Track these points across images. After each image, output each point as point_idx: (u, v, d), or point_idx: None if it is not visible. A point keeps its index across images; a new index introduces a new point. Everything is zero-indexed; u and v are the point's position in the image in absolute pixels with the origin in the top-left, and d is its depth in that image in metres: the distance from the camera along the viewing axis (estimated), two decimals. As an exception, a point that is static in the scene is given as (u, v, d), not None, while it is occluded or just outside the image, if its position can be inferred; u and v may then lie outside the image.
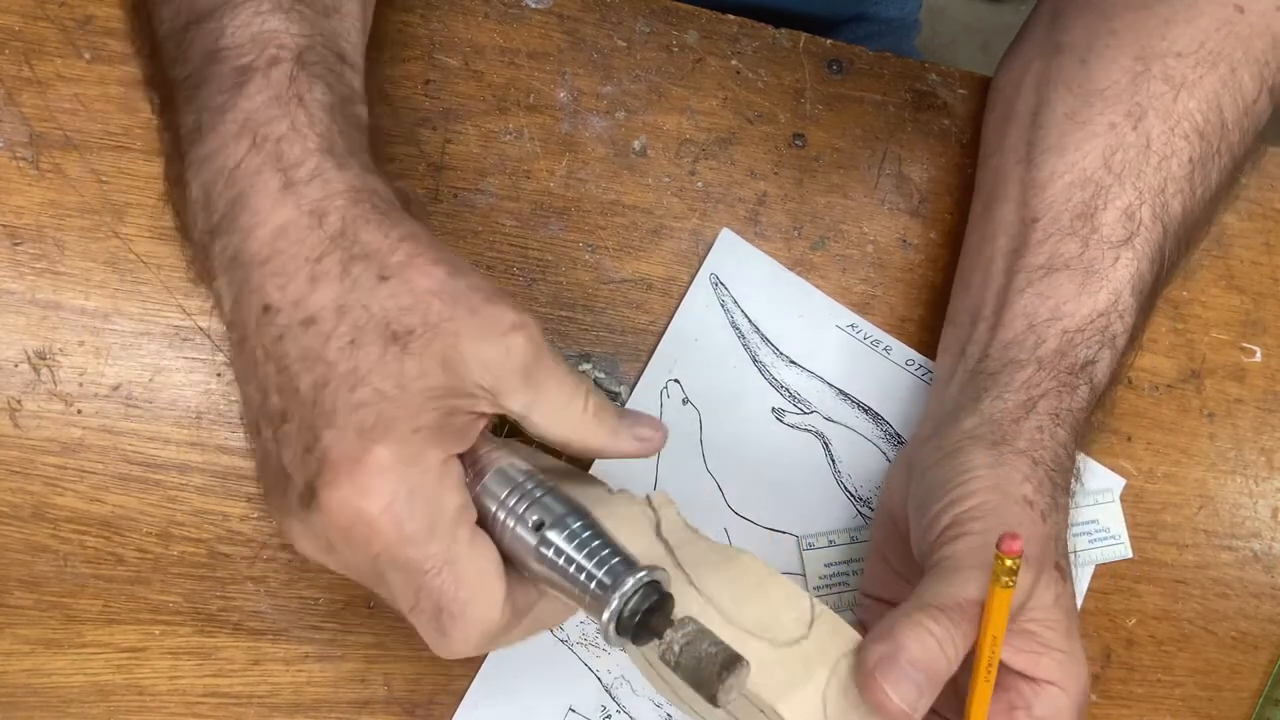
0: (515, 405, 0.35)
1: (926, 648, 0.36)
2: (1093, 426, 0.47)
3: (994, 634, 0.37)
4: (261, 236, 0.34)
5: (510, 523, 0.34)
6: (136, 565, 0.45)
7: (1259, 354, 0.58)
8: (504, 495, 0.35)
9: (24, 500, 0.44)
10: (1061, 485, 0.42)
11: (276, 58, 0.36)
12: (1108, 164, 0.46)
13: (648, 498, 0.39)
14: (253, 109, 0.35)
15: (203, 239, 0.36)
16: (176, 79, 0.38)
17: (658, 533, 0.38)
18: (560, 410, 0.36)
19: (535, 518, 0.34)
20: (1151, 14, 0.47)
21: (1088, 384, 0.45)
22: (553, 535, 0.34)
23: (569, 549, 0.33)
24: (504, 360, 0.34)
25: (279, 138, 0.35)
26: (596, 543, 0.34)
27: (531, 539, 0.34)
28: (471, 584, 0.33)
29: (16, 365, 0.44)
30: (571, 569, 0.33)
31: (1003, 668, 0.39)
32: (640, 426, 0.38)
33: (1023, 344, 0.45)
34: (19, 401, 0.44)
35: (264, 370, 0.34)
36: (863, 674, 0.36)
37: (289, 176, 0.35)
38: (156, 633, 0.45)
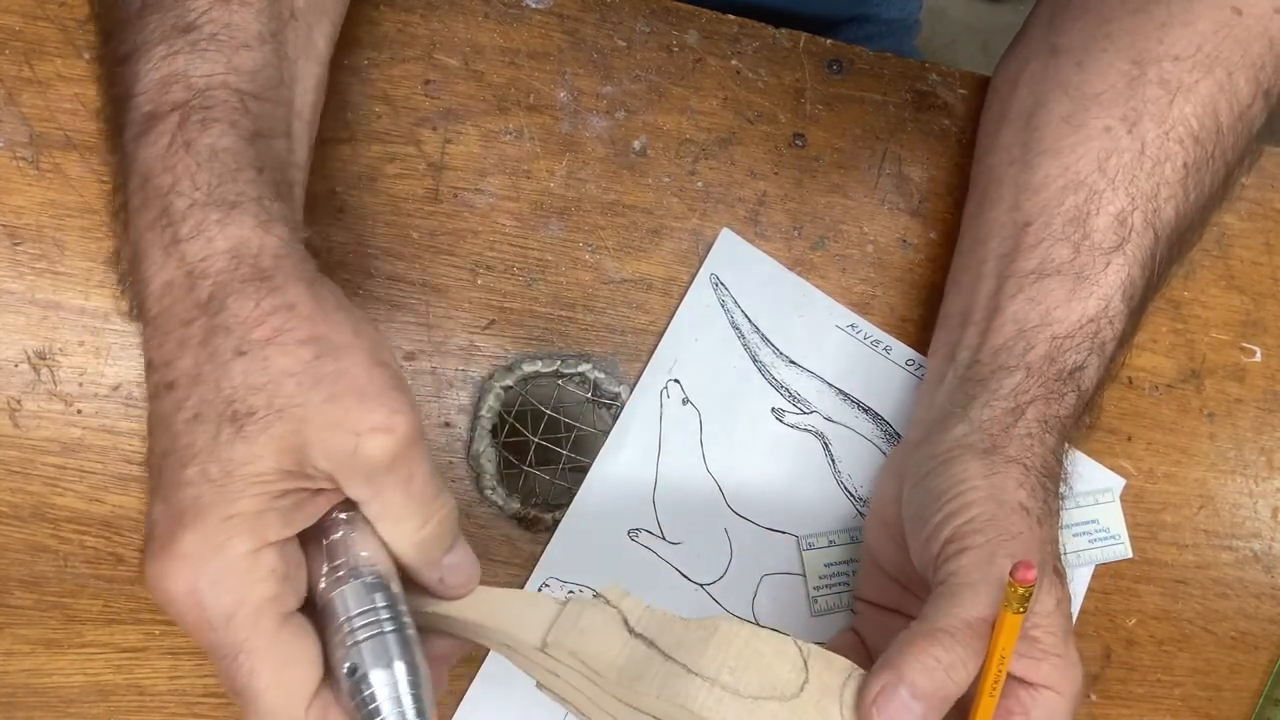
0: (353, 495, 0.35)
1: (932, 677, 0.36)
2: (1080, 429, 0.47)
3: (1002, 654, 0.37)
4: (153, 292, 0.34)
5: (338, 644, 0.34)
6: (136, 565, 0.45)
7: (1259, 354, 0.58)
8: (344, 616, 0.34)
9: (24, 500, 0.44)
10: (1053, 490, 0.43)
11: (175, 102, 0.36)
12: (1102, 168, 0.46)
13: (603, 597, 0.38)
14: (148, 159, 0.35)
15: (123, 281, 0.37)
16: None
17: (630, 631, 0.38)
18: (393, 522, 0.35)
19: (348, 664, 0.33)
20: (1149, 17, 0.47)
21: (1075, 390, 0.45)
22: (362, 684, 0.33)
23: (367, 708, 0.33)
24: (348, 457, 0.33)
25: (168, 189, 0.35)
26: (404, 704, 0.33)
27: (344, 682, 0.33)
28: (268, 676, 0.33)
29: (16, 365, 0.44)
30: None
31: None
32: (456, 574, 0.37)
33: (1012, 350, 0.45)
34: (19, 401, 0.44)
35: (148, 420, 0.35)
36: (863, 707, 0.36)
37: (176, 233, 0.34)
38: (156, 633, 0.45)
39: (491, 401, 0.48)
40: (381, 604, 0.34)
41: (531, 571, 0.48)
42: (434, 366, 0.48)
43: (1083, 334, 0.45)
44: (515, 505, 0.48)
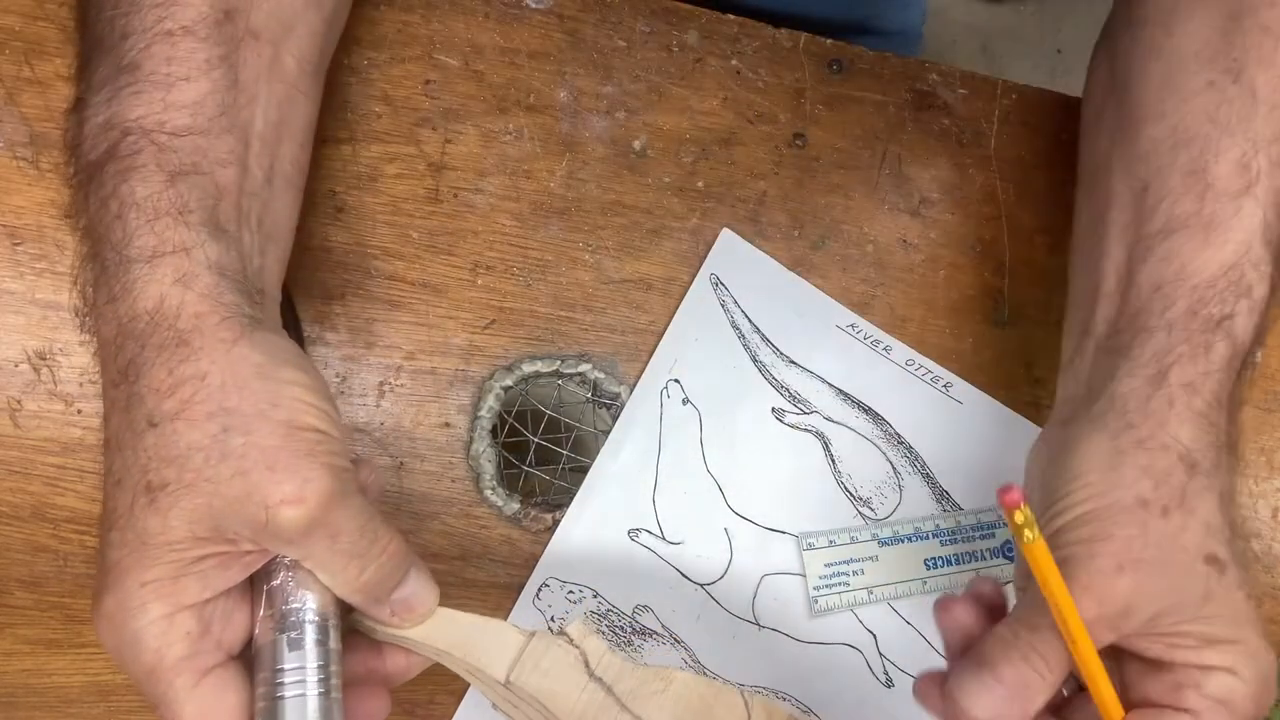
0: (281, 553, 0.35)
1: (1015, 668, 0.36)
2: (1242, 384, 0.43)
3: (1052, 589, 0.35)
4: (99, 348, 0.35)
5: (262, 695, 0.34)
6: (136, 565, 0.45)
7: (1259, 354, 0.58)
8: (273, 668, 0.34)
9: (24, 500, 0.44)
10: (1204, 465, 0.39)
11: (106, 150, 0.36)
12: (1213, 119, 0.44)
13: (566, 635, 0.39)
14: (90, 211, 0.35)
15: (85, 329, 0.38)
16: None
17: (590, 673, 0.38)
18: (330, 574, 0.35)
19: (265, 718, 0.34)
20: None
21: (1226, 339, 0.41)
22: None
23: None
24: (262, 527, 0.33)
25: (102, 243, 0.35)
26: None
27: None
28: None
29: (16, 365, 0.44)
30: None
31: (1163, 661, 0.38)
32: (407, 608, 0.37)
33: (1151, 310, 0.42)
34: (19, 401, 0.44)
35: None
36: (949, 693, 0.37)
37: (110, 290, 0.34)
38: (156, 633, 0.45)
39: (491, 401, 0.48)
40: (313, 662, 0.35)
41: (531, 572, 0.48)
42: (434, 366, 0.48)
43: (1225, 280, 0.42)
44: (515, 505, 0.48)
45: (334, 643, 0.36)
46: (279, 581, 0.35)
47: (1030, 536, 0.35)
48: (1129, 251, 0.44)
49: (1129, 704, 0.38)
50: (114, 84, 0.36)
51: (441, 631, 0.37)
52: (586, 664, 0.39)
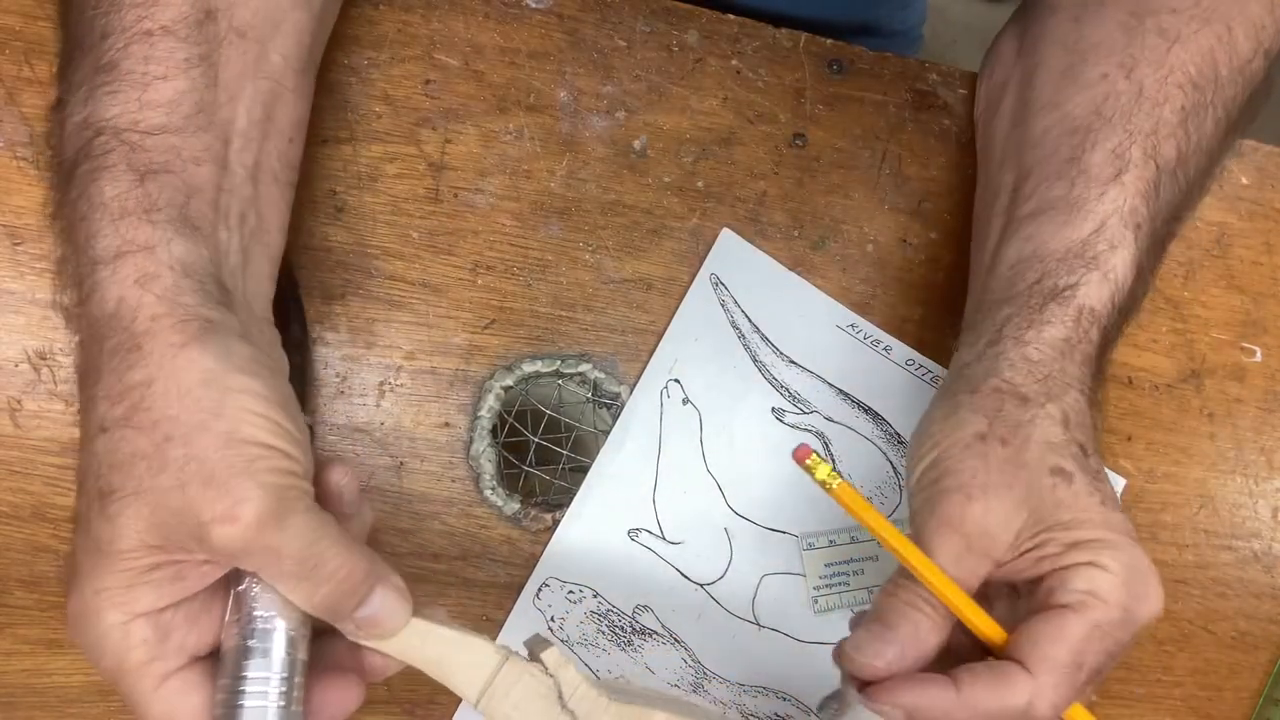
0: (237, 565, 0.35)
1: (902, 614, 0.38)
2: (1105, 351, 0.44)
3: (867, 521, 0.38)
4: (78, 345, 0.35)
5: (220, 701, 0.34)
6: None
7: (1259, 354, 0.58)
8: (235, 674, 0.34)
9: (24, 500, 0.44)
10: (1036, 396, 0.41)
11: (79, 150, 0.35)
12: (1099, 110, 0.46)
13: (541, 662, 0.38)
14: (67, 211, 0.35)
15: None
16: None
17: (563, 705, 0.38)
18: (285, 590, 0.34)
19: None
20: None
21: (1062, 303, 0.43)
22: None
23: None
24: (202, 543, 0.33)
25: (72, 243, 0.35)
26: None
27: None
28: None
29: (17, 365, 0.44)
30: None
31: (1037, 578, 0.39)
32: (371, 625, 0.36)
33: (1003, 287, 0.45)
34: (19, 401, 0.44)
35: None
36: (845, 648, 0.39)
37: (80, 291, 0.35)
38: (156, 633, 0.45)
39: (491, 401, 0.48)
40: (277, 672, 0.34)
41: (531, 571, 0.48)
42: (434, 366, 0.48)
43: (1073, 254, 0.44)
44: (515, 505, 0.48)
45: (300, 653, 0.35)
46: (245, 587, 0.35)
47: (832, 483, 0.38)
48: (1002, 233, 0.46)
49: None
50: (91, 83, 0.36)
51: (414, 647, 0.36)
52: (560, 695, 0.37)
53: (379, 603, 0.35)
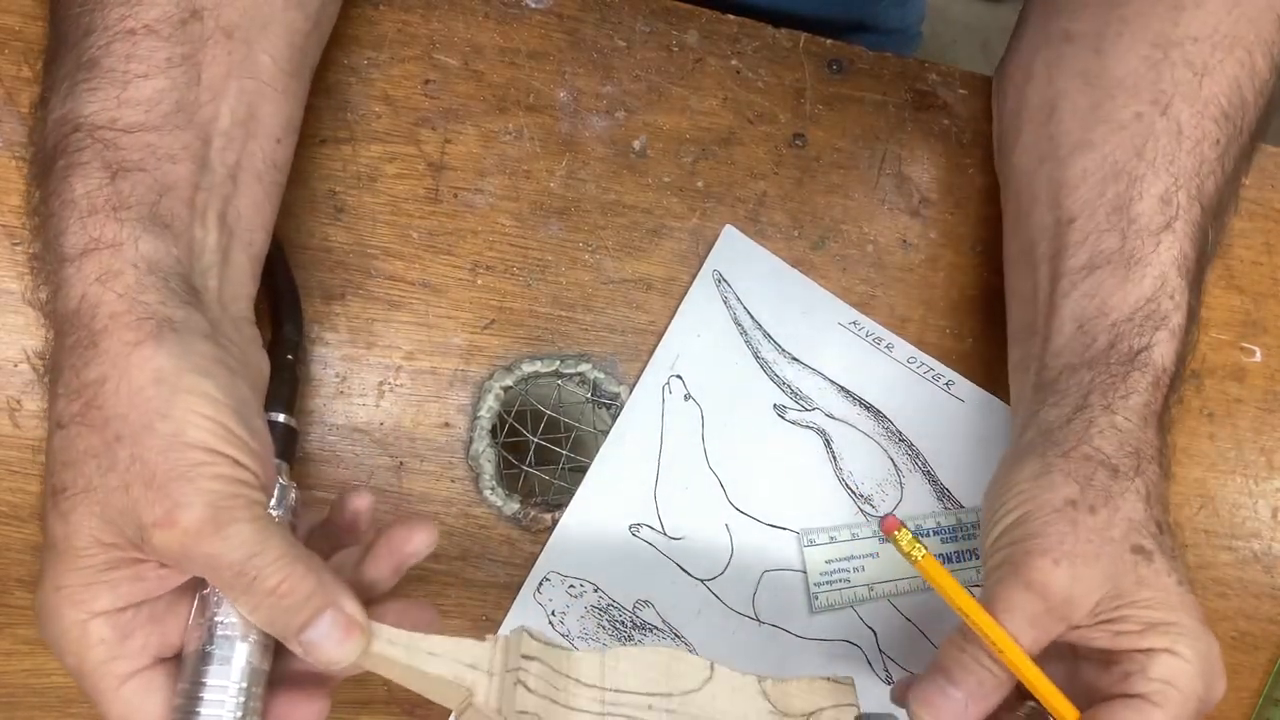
0: (180, 570, 0.34)
1: (967, 670, 0.39)
2: (1169, 407, 0.45)
3: (957, 601, 0.39)
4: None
5: (179, 706, 0.34)
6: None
7: (1259, 354, 0.58)
8: (194, 680, 0.34)
9: (24, 500, 0.44)
10: (1126, 470, 0.42)
11: (56, 147, 0.36)
12: (1140, 153, 0.46)
13: (519, 673, 0.36)
14: (40, 207, 0.36)
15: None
16: None
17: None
18: (227, 592, 0.34)
19: None
20: (1159, 0, 0.47)
21: (1142, 368, 0.44)
22: None
23: None
24: (146, 543, 0.32)
25: (44, 239, 0.35)
26: None
27: None
28: None
29: (16, 365, 0.44)
30: None
31: (1110, 651, 0.40)
32: (317, 651, 0.34)
33: (1074, 348, 0.45)
34: (19, 401, 0.44)
35: None
36: (912, 705, 0.40)
37: (51, 288, 0.35)
38: (157, 632, 0.45)
39: (491, 401, 0.48)
40: (236, 681, 0.34)
41: (530, 571, 0.48)
42: (434, 366, 0.48)
43: (1141, 314, 0.45)
44: (515, 505, 0.48)
45: (262, 662, 0.35)
46: (209, 591, 0.35)
47: (918, 554, 0.39)
48: (1054, 284, 0.47)
49: (1087, 705, 0.40)
50: (73, 79, 0.36)
51: (379, 666, 0.35)
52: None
53: (324, 629, 0.33)
